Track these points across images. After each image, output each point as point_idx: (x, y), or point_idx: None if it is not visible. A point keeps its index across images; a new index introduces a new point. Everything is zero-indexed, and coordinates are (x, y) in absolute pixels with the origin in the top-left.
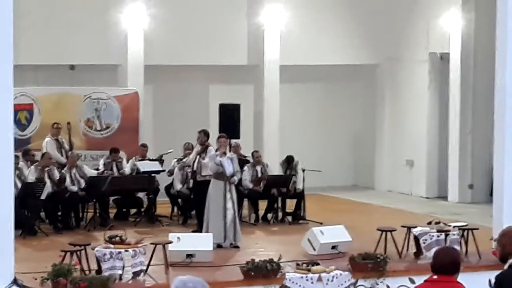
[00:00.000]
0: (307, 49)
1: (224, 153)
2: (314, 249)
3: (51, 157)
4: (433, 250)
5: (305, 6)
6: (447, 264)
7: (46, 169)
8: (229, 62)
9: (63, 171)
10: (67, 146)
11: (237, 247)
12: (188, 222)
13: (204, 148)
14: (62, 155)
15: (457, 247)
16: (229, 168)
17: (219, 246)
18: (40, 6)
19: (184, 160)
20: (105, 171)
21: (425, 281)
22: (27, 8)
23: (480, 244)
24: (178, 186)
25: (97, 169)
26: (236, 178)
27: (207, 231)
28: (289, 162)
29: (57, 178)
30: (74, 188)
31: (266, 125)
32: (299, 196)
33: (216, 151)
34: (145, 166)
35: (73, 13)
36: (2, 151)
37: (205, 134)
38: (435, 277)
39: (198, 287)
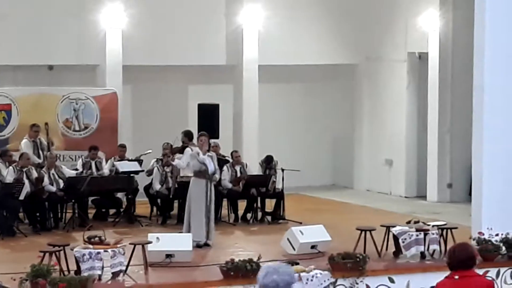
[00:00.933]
0: (285, 49)
1: (207, 151)
2: (294, 249)
3: (29, 158)
4: (412, 249)
5: (283, 6)
6: (465, 259)
7: (25, 169)
8: (207, 62)
9: (42, 171)
10: (45, 147)
11: (208, 245)
12: (167, 222)
13: (181, 149)
14: (39, 157)
15: (436, 246)
16: (210, 166)
17: (198, 245)
18: (18, 6)
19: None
20: (84, 171)
21: (447, 277)
22: (5, 8)
23: None
24: (157, 186)
25: (76, 169)
26: (217, 176)
27: (188, 230)
28: (268, 162)
29: (35, 177)
30: (53, 189)
31: (245, 125)
32: (279, 196)
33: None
34: (124, 166)
35: (52, 13)
36: None
37: (185, 135)
38: (456, 277)
39: (286, 278)
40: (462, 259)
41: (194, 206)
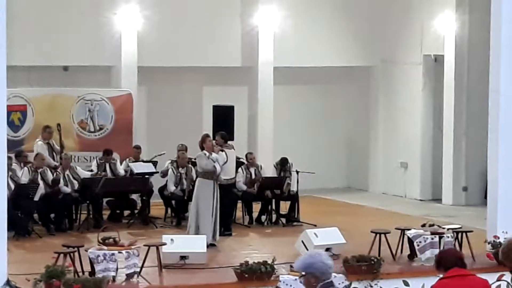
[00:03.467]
0: (300, 51)
1: (211, 153)
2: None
3: (44, 158)
4: (427, 252)
5: (299, 7)
6: (459, 257)
7: (39, 170)
8: (223, 64)
9: (57, 172)
10: (58, 148)
11: (214, 245)
12: (182, 223)
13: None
14: (53, 159)
15: None
16: (218, 167)
17: (211, 244)
18: (33, 7)
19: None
20: (99, 173)
21: (442, 278)
22: (21, 9)
23: (474, 247)
24: (172, 187)
25: (91, 171)
26: (222, 177)
27: (197, 231)
28: (283, 164)
29: (51, 179)
30: (68, 190)
31: (260, 126)
32: (293, 198)
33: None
34: (138, 167)
35: (67, 14)
36: None
37: (222, 137)
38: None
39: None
40: (457, 256)
41: (202, 207)
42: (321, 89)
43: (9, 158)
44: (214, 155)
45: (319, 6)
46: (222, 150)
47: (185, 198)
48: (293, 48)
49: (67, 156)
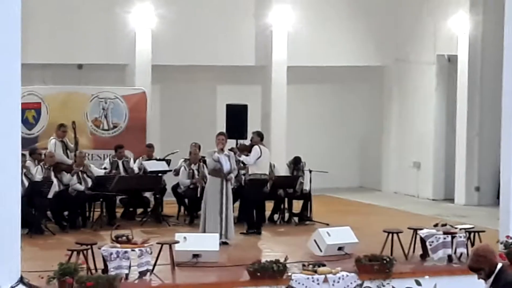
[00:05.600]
0: (314, 50)
1: (222, 150)
2: (321, 250)
3: (52, 155)
4: (439, 252)
5: (313, 7)
6: None
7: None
8: (236, 63)
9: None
10: (72, 146)
11: (227, 243)
12: (195, 222)
13: (249, 147)
14: (68, 157)
15: (463, 250)
16: (226, 165)
17: (221, 242)
18: (48, 5)
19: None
20: (112, 171)
21: None
22: (36, 7)
23: None
24: (185, 182)
25: (105, 169)
26: (232, 175)
27: (204, 229)
28: (296, 163)
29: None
30: (81, 187)
31: (273, 126)
32: (306, 197)
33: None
34: (152, 166)
35: (81, 12)
36: (10, 149)
37: (257, 135)
38: None
39: None
40: None
41: (210, 204)
42: (335, 88)
43: (23, 155)
44: (216, 154)
45: (333, 6)
46: (252, 146)
47: (198, 196)
48: (307, 48)
49: (81, 154)
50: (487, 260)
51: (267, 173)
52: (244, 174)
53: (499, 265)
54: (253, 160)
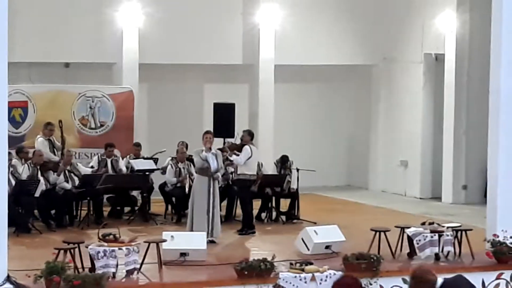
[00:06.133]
0: (302, 49)
1: (210, 149)
2: (308, 249)
3: (41, 154)
4: (427, 250)
5: (300, 6)
6: None
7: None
8: (224, 61)
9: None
10: (59, 144)
11: (214, 242)
12: (182, 220)
13: (240, 146)
14: (55, 155)
15: (451, 248)
16: (213, 164)
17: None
18: (35, 4)
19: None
20: (100, 169)
21: None
22: (22, 5)
23: (474, 245)
24: (172, 180)
25: (92, 167)
26: (219, 174)
27: (191, 227)
28: (283, 161)
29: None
30: (68, 186)
31: (261, 124)
32: (293, 196)
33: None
34: (139, 164)
35: (68, 11)
36: None
37: (248, 134)
38: None
39: None
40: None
41: (197, 203)
42: (322, 87)
43: (9, 154)
44: (204, 152)
45: (320, 5)
46: (243, 146)
47: (186, 193)
48: (294, 46)
49: (69, 153)
50: (426, 280)
51: (256, 173)
52: (232, 173)
53: (440, 280)
54: (244, 160)
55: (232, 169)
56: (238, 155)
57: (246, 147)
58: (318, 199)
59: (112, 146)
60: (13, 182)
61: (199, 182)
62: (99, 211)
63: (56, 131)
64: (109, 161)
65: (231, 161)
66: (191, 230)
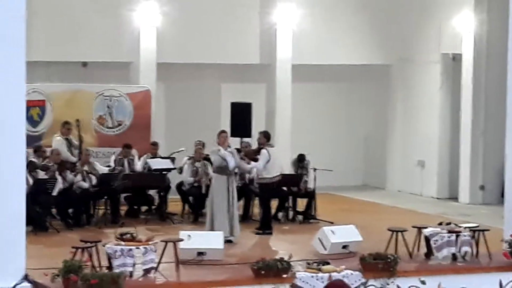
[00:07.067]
0: (319, 48)
1: (226, 147)
2: (325, 249)
3: (58, 153)
4: (444, 250)
5: (317, 5)
6: None
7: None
8: (241, 61)
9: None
10: (76, 143)
11: (231, 241)
12: (199, 220)
13: (257, 150)
14: (72, 154)
15: (468, 248)
16: (231, 162)
17: (227, 241)
18: (52, 3)
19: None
20: (116, 168)
21: None
22: (40, 5)
23: (491, 245)
24: (189, 179)
25: (109, 166)
26: (237, 171)
27: (212, 227)
28: (300, 160)
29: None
30: (86, 185)
31: (278, 124)
32: (310, 196)
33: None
34: (156, 164)
35: (86, 10)
36: (15, 147)
37: (264, 135)
38: None
39: None
40: None
41: (217, 202)
42: (339, 87)
43: (27, 153)
44: (222, 151)
45: (337, 4)
46: (261, 148)
47: (203, 193)
48: (311, 46)
49: (87, 152)
50: None
51: (278, 173)
52: (251, 180)
53: None
54: (263, 165)
55: (252, 176)
56: (256, 160)
57: (264, 151)
58: (335, 199)
59: (129, 147)
60: (31, 181)
61: (218, 182)
62: (116, 210)
63: (74, 130)
64: (125, 160)
65: (249, 171)
66: (211, 230)
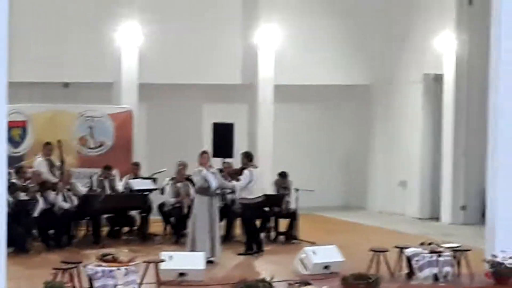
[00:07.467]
0: (301, 68)
1: (208, 168)
2: (307, 269)
3: (39, 174)
4: (426, 271)
5: (299, 26)
6: None
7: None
8: (223, 81)
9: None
10: (57, 164)
11: (212, 262)
12: (181, 240)
13: (240, 170)
14: (53, 175)
15: (449, 269)
16: (213, 182)
17: (209, 261)
18: (34, 23)
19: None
20: (96, 189)
21: None
22: (22, 25)
23: (473, 266)
24: (171, 200)
25: (89, 187)
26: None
27: (193, 247)
28: (282, 176)
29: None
30: (66, 206)
31: (260, 144)
32: (292, 216)
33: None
34: (138, 184)
35: (67, 31)
36: None
37: (245, 156)
38: None
39: None
40: None
41: (198, 223)
42: (321, 106)
43: (9, 174)
44: (204, 171)
45: (319, 25)
46: (243, 169)
47: (184, 213)
48: (293, 66)
49: (69, 172)
50: None
51: (261, 194)
52: (230, 192)
53: None
54: (244, 184)
55: (234, 197)
56: (238, 180)
57: (246, 172)
58: (316, 219)
59: (109, 168)
60: (12, 202)
61: (200, 202)
62: (98, 231)
63: (55, 151)
64: (106, 181)
65: (231, 190)
66: (193, 250)
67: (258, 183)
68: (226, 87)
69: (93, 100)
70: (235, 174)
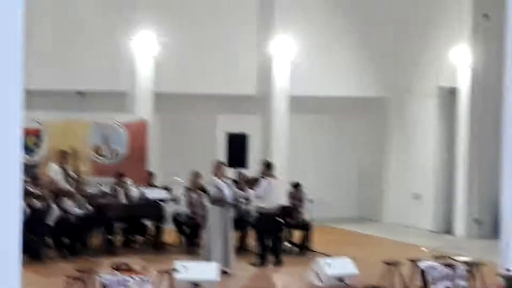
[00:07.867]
0: (315, 80)
1: (225, 178)
2: (321, 281)
3: (54, 182)
4: (439, 284)
5: (314, 37)
6: None
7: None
8: (237, 92)
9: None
10: (72, 172)
11: (226, 272)
12: (194, 250)
13: (256, 179)
14: (68, 183)
15: (463, 282)
16: (228, 193)
17: (223, 272)
18: (50, 32)
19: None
20: (111, 197)
21: None
22: (38, 34)
23: (487, 280)
24: (185, 210)
25: (101, 194)
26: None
27: (207, 258)
28: (296, 188)
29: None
30: (81, 214)
31: (275, 155)
32: (306, 227)
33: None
34: (152, 193)
35: (83, 39)
36: (11, 176)
37: (265, 165)
38: None
39: None
40: None
41: (213, 233)
42: (336, 118)
43: (24, 182)
44: (217, 181)
45: (335, 37)
46: (260, 178)
47: (198, 223)
48: (308, 78)
49: (83, 181)
50: None
51: (277, 204)
52: (245, 203)
53: None
54: (260, 194)
55: (248, 207)
56: (253, 189)
57: (263, 182)
58: (330, 231)
59: (122, 176)
60: (27, 210)
61: (214, 213)
62: (112, 239)
63: (70, 159)
64: (120, 189)
65: (246, 199)
66: (207, 261)
67: (274, 194)
68: (241, 98)
69: (108, 109)
70: (252, 183)
